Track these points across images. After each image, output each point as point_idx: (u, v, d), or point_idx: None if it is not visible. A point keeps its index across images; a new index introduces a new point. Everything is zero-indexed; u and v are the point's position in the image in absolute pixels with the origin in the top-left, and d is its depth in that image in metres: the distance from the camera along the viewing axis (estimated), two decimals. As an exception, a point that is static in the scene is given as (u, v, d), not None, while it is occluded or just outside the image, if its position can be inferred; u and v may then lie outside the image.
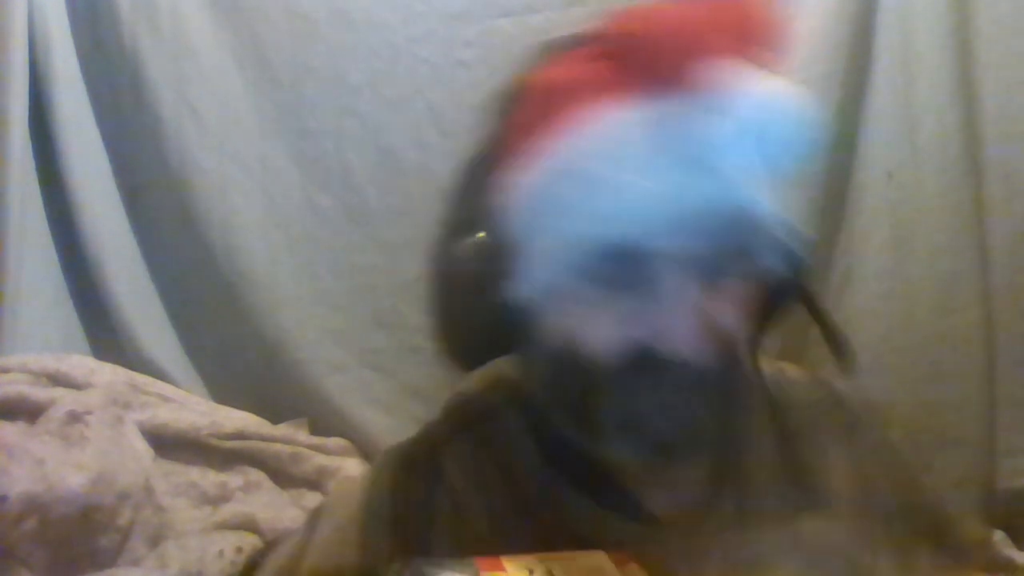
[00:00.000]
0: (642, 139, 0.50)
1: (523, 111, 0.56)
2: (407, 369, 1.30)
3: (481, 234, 0.57)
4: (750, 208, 0.51)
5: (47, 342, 1.21)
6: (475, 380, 0.65)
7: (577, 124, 0.51)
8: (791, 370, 0.70)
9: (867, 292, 1.29)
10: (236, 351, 1.32)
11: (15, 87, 1.19)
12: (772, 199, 0.52)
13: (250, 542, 1.02)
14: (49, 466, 0.93)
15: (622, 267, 0.52)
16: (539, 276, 0.54)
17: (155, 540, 1.01)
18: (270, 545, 0.95)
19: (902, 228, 1.29)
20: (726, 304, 0.53)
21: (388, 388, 1.31)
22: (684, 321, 0.52)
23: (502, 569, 0.49)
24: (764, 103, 0.49)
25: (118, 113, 1.30)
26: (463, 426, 0.64)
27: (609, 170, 0.50)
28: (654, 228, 0.50)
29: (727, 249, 0.52)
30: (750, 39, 0.51)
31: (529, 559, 0.50)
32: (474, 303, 0.56)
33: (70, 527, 0.93)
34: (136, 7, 1.27)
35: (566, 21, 1.27)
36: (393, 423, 1.27)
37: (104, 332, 1.28)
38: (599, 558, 0.50)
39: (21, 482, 0.90)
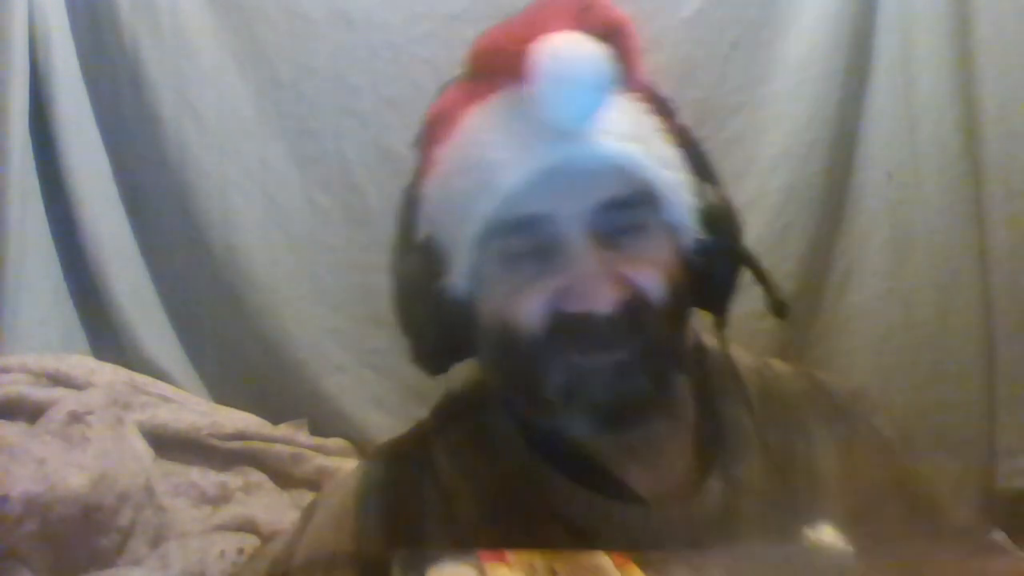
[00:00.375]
0: (502, 123, 0.58)
1: (423, 140, 0.65)
2: (407, 369, 1.28)
3: (411, 255, 0.64)
4: (623, 161, 0.57)
5: (47, 342, 1.21)
6: (462, 381, 0.69)
7: (455, 132, 0.60)
8: (776, 364, 0.72)
9: (867, 292, 1.29)
10: (236, 351, 1.32)
11: (15, 87, 1.19)
12: (655, 156, 0.58)
13: (251, 543, 1.02)
14: (50, 466, 0.93)
15: (523, 238, 0.57)
16: (463, 267, 0.60)
17: (156, 540, 1.01)
18: (265, 543, 0.96)
19: (902, 228, 1.29)
20: (633, 260, 0.56)
21: (388, 388, 1.31)
22: (589, 278, 0.56)
23: (505, 561, 0.50)
24: (562, 53, 0.54)
25: (118, 113, 1.30)
26: (451, 420, 0.68)
27: (482, 156, 0.57)
28: (533, 195, 0.56)
29: (609, 203, 0.57)
30: (573, 24, 0.57)
31: (531, 555, 0.50)
32: (423, 310, 0.62)
33: (71, 527, 0.93)
34: (136, 7, 1.27)
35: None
36: (393, 423, 1.27)
37: (104, 332, 1.28)
38: (600, 558, 0.51)
39: (22, 482, 0.90)
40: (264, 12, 1.30)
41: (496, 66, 0.60)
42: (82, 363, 1.17)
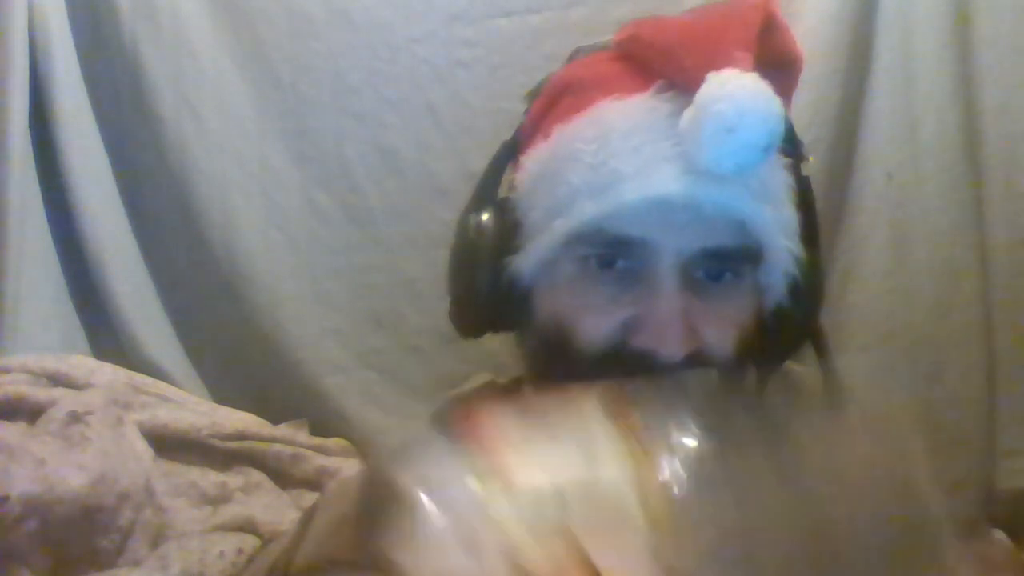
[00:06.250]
0: (640, 132, 0.53)
1: (542, 101, 0.60)
2: (407, 369, 1.30)
3: (487, 213, 0.60)
4: (747, 218, 0.53)
5: (47, 342, 1.21)
6: (465, 386, 0.68)
7: (583, 113, 0.55)
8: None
9: (867, 292, 1.29)
10: (236, 351, 1.32)
11: (15, 87, 1.19)
12: (780, 220, 0.54)
13: (251, 543, 1.02)
14: (50, 467, 0.93)
15: (614, 255, 0.54)
16: (538, 254, 0.56)
17: (156, 541, 1.01)
18: (266, 545, 0.96)
19: (902, 228, 1.29)
20: (713, 314, 0.54)
21: (388, 388, 1.31)
22: (667, 321, 0.52)
23: (497, 448, 0.44)
24: (739, 102, 0.49)
25: (118, 113, 1.30)
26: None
27: (606, 158, 0.52)
28: (643, 219, 0.52)
29: (715, 251, 0.54)
30: (754, 47, 0.53)
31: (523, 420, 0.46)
32: (479, 273, 0.58)
33: (71, 528, 0.93)
34: (136, 7, 1.27)
35: (566, 22, 1.27)
36: (393, 423, 1.27)
37: (104, 332, 1.28)
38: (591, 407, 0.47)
39: (22, 482, 0.90)
40: (264, 12, 1.30)
41: (655, 62, 0.55)
42: (82, 363, 1.17)
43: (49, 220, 1.26)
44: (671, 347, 0.52)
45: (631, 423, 0.45)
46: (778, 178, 0.56)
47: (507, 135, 0.63)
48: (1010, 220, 1.25)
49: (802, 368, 0.71)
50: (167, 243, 1.32)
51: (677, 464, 0.43)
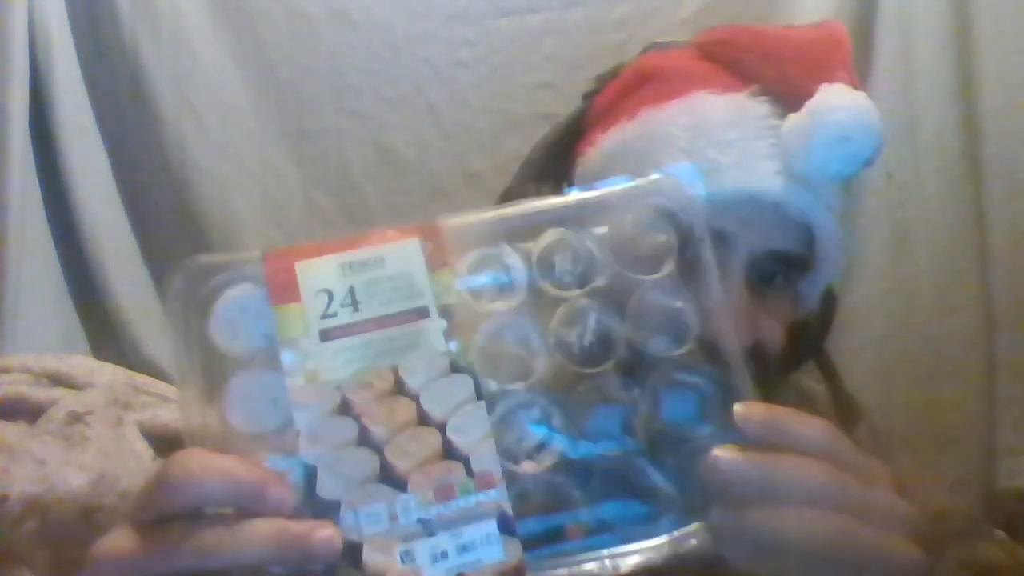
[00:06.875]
0: (741, 126, 0.54)
1: (618, 85, 0.61)
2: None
3: (546, 186, 0.61)
4: (819, 227, 0.56)
5: (47, 342, 1.21)
6: None
7: (676, 100, 0.56)
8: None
9: (867, 292, 1.29)
10: (236, 351, 1.31)
11: (15, 87, 1.19)
12: (839, 234, 0.55)
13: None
14: (50, 466, 0.93)
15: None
16: None
17: (156, 540, 1.01)
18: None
19: (902, 228, 1.29)
20: (764, 315, 0.54)
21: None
22: (727, 312, 0.53)
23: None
24: (855, 114, 0.51)
25: (118, 113, 1.30)
26: None
27: (698, 144, 0.54)
28: (727, 210, 0.53)
29: (779, 254, 0.54)
30: (839, 63, 0.56)
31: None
32: None
33: (71, 528, 0.92)
34: (136, 7, 1.27)
35: (566, 22, 1.27)
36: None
37: (104, 332, 1.28)
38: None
39: (22, 482, 0.90)
40: (264, 12, 1.30)
41: (751, 67, 0.57)
42: (82, 363, 1.16)
43: (49, 220, 1.26)
44: (733, 339, 0.52)
45: (450, 258, 0.49)
46: (841, 194, 0.59)
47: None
48: (1010, 220, 1.25)
49: (814, 384, 0.72)
50: (167, 243, 1.32)
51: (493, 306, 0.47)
